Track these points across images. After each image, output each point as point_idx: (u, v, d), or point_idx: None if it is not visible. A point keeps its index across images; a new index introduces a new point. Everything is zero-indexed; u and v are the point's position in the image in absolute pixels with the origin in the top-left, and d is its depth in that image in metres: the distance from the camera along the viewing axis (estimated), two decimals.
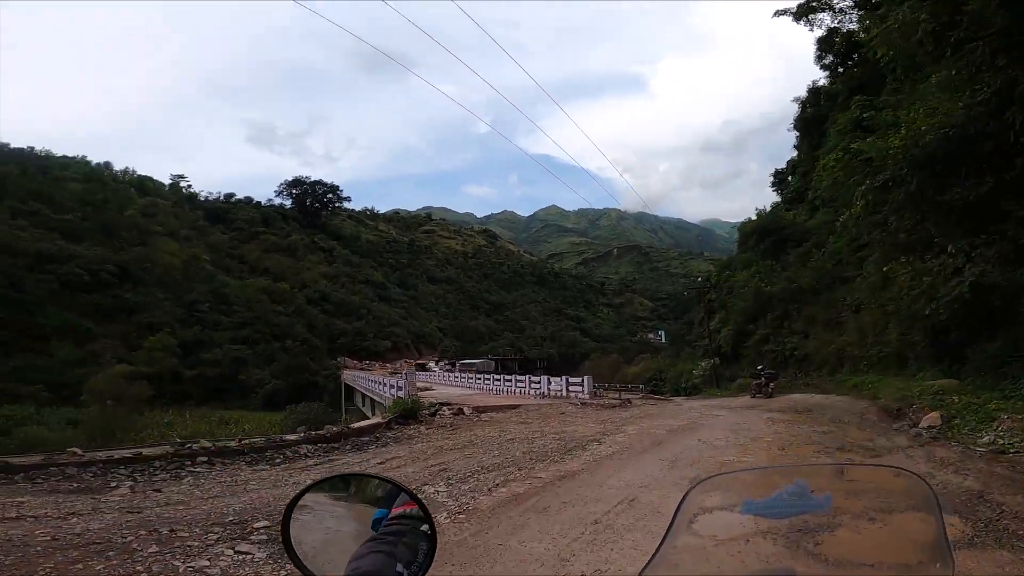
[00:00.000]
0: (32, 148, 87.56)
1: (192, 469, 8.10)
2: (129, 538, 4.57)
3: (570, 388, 24.47)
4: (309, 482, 1.05)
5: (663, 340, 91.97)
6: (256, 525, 4.99)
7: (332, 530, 0.99)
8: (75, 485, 7.25)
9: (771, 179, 49.19)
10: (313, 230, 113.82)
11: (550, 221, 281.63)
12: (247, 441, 9.45)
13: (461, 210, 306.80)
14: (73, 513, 5.64)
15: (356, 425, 12.47)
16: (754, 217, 41.23)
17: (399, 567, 0.84)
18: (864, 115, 30.13)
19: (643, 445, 9.68)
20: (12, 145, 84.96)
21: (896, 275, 15.76)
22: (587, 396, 22.91)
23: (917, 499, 1.00)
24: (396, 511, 0.91)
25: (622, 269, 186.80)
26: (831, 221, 30.82)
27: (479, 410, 19.33)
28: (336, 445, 10.68)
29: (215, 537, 4.68)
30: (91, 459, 7.61)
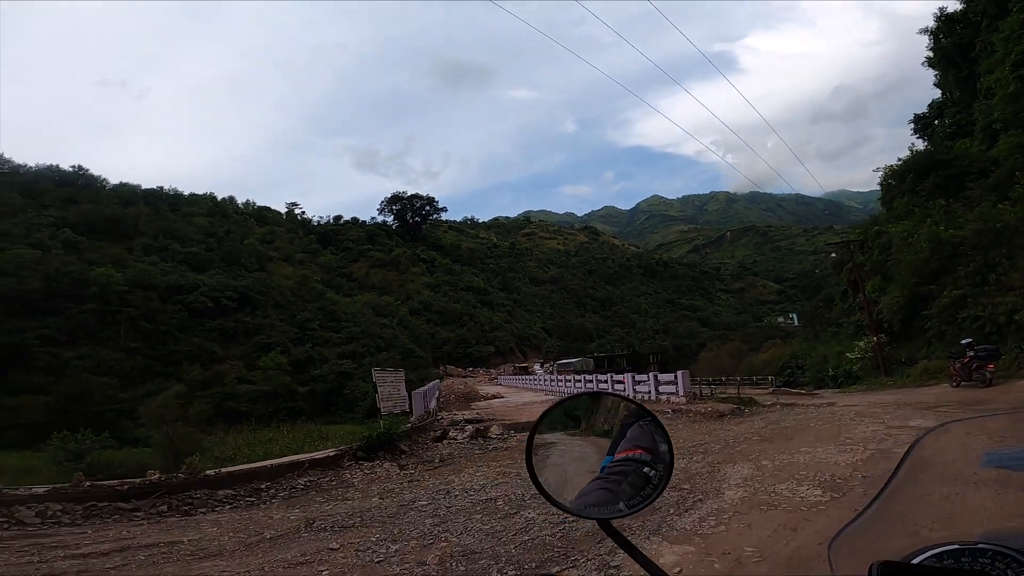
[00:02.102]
0: (162, 187, 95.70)
1: None
2: None
3: (660, 389, 17.55)
4: (553, 401, 1.04)
5: (795, 323, 79.39)
6: None
7: (566, 462, 1.03)
8: None
9: (912, 128, 38.83)
10: (415, 243, 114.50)
11: (654, 212, 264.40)
12: None
13: (561, 211, 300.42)
14: None
15: (237, 468, 7.10)
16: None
17: (621, 504, 0.88)
18: None
19: None
20: (144, 186, 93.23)
21: None
22: (683, 399, 15.90)
23: None
24: (621, 455, 0.93)
25: (739, 252, 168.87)
26: None
27: (517, 428, 13.47)
28: (138, 507, 5.36)
29: None
30: None
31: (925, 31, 32.22)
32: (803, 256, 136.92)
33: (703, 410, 13.90)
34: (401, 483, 8.26)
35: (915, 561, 0.74)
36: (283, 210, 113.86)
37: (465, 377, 79.90)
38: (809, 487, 5.14)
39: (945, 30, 30.83)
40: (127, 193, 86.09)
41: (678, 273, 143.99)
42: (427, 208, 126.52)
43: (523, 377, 49.40)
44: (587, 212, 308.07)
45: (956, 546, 0.74)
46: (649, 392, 18.32)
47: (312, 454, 9.89)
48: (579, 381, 26.10)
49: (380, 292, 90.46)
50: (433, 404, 22.80)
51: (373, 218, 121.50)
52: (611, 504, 0.89)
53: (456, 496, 6.97)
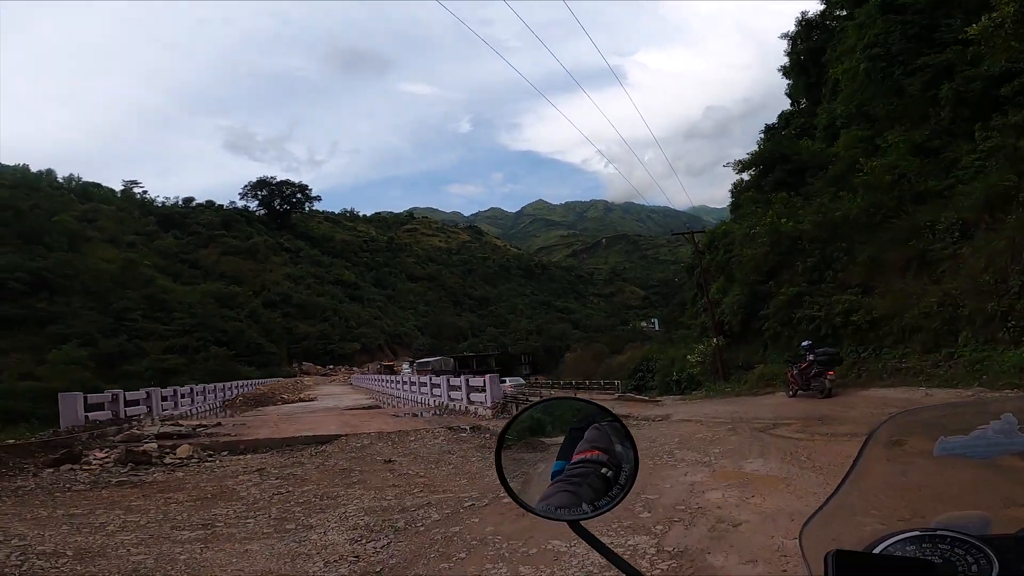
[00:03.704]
0: None
1: None
2: None
3: (471, 397, 13.77)
4: (520, 409, 1.01)
5: (656, 328, 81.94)
6: None
7: (531, 466, 1.02)
8: None
9: (762, 138, 38.80)
10: (281, 232, 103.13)
11: (537, 216, 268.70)
12: None
13: (448, 210, 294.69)
14: None
15: None
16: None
17: (584, 505, 0.88)
18: None
19: None
20: None
21: None
22: (489, 411, 12.18)
23: None
24: (579, 456, 0.93)
25: (612, 259, 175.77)
26: (869, 137, 20.22)
27: (235, 449, 8.95)
28: None
29: None
30: None
31: (785, 36, 31.46)
32: (666, 265, 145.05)
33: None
34: None
35: (877, 549, 0.74)
36: (119, 188, 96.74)
37: (325, 375, 72.04)
38: None
39: (803, 35, 30.14)
40: None
41: (555, 276, 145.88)
42: (298, 196, 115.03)
43: (379, 377, 43.93)
44: (474, 212, 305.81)
45: (917, 532, 0.74)
46: (462, 399, 14.43)
47: None
48: (397, 385, 21.77)
49: (231, 281, 79.13)
50: (183, 408, 17.06)
51: (232, 203, 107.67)
52: (575, 506, 0.85)
53: None
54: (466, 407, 13.73)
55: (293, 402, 21.75)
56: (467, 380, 14.30)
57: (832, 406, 10.05)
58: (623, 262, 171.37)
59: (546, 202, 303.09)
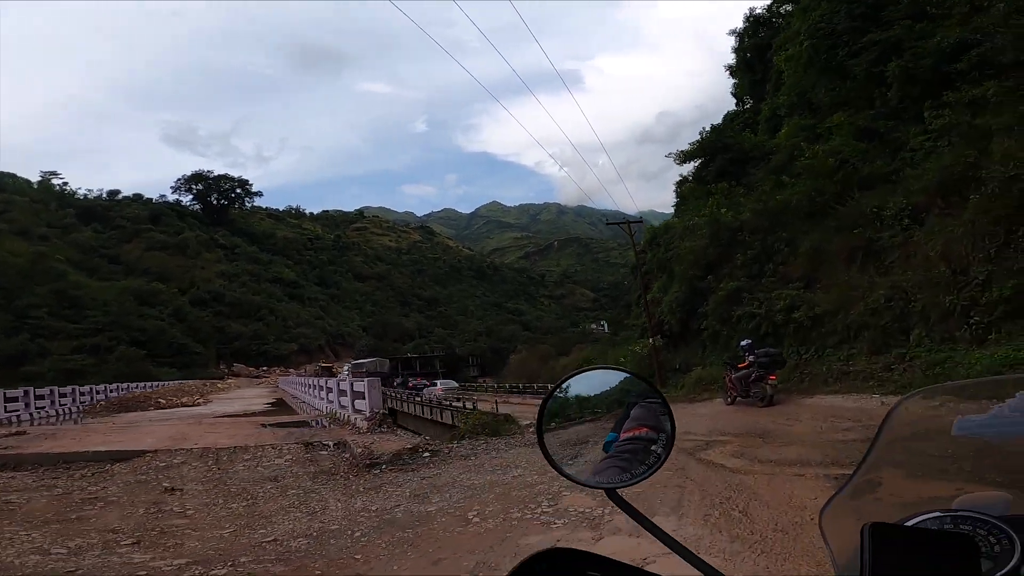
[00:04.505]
0: None
1: None
2: None
3: (356, 404, 11.27)
4: (566, 375, 0.98)
5: (605, 330, 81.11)
6: None
7: (577, 438, 1.00)
8: None
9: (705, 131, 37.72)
10: (217, 228, 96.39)
11: (491, 217, 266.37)
12: None
13: (401, 209, 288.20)
14: None
15: None
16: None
17: (626, 476, 0.91)
18: None
19: None
20: None
21: None
22: (367, 421, 9.75)
23: None
24: (627, 434, 0.94)
25: (564, 262, 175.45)
26: (811, 125, 19.02)
27: None
28: None
29: None
30: None
31: (733, 32, 30.42)
32: (616, 268, 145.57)
33: (359, 450, 7.71)
34: None
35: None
36: (36, 179, 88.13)
37: (256, 377, 67.07)
38: None
39: (751, 32, 29.19)
40: None
41: (507, 278, 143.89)
42: (238, 191, 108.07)
43: (304, 380, 40.32)
44: (427, 213, 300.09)
45: (938, 513, 0.74)
46: (347, 408, 11.86)
47: None
48: (311, 389, 18.92)
49: (155, 278, 72.78)
50: (10, 415, 13.78)
51: (163, 196, 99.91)
52: (623, 480, 0.88)
53: None
54: (349, 416, 11.21)
55: (172, 407, 18.54)
56: (352, 385, 11.76)
57: (774, 417, 8.18)
58: (575, 264, 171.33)
59: (500, 204, 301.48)
